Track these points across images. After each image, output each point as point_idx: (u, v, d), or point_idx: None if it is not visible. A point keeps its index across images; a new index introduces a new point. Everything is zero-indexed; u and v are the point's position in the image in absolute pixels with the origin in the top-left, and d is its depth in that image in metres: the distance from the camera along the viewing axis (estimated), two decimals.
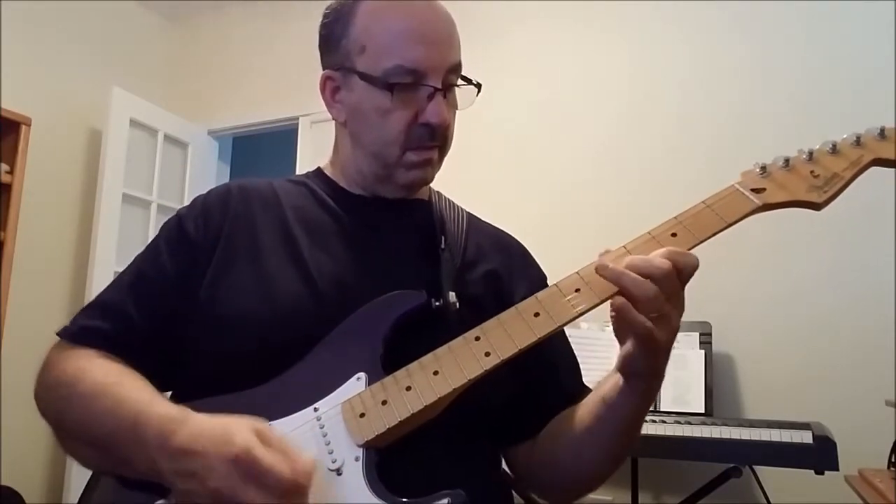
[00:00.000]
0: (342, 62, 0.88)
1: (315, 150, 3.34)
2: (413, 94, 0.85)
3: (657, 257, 0.69)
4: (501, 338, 0.73)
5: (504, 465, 0.93)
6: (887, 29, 2.34)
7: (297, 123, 3.46)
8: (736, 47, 2.61)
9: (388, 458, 0.72)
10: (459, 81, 0.89)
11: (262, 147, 4.23)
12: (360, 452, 0.71)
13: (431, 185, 1.01)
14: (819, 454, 1.77)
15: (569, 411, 0.86)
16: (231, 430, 0.63)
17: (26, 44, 3.13)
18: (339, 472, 0.70)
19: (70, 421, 0.79)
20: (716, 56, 2.64)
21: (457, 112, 0.91)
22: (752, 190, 0.76)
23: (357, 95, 0.88)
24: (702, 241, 0.74)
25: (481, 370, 0.72)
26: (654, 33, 2.76)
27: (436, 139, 0.87)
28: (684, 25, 2.71)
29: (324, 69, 0.93)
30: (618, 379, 0.76)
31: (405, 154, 0.87)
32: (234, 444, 0.62)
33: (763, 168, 0.78)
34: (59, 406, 0.80)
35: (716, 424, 1.92)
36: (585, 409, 0.83)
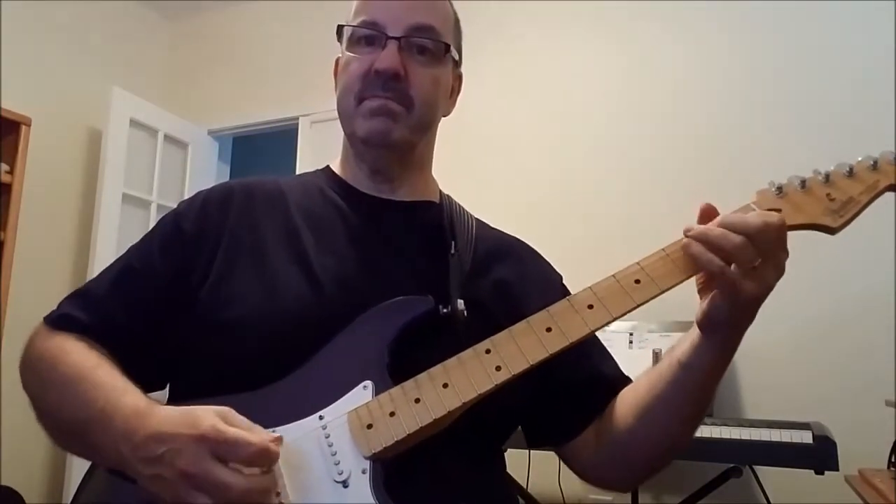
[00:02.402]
0: (341, 39, 0.93)
1: (315, 150, 3.34)
2: (373, 46, 0.88)
3: (749, 216, 0.70)
4: (513, 352, 0.72)
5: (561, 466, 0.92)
6: (886, 29, 2.34)
7: (297, 123, 3.46)
8: (730, 47, 2.61)
9: (395, 469, 0.71)
10: (427, 40, 0.88)
11: (262, 147, 4.22)
12: (367, 465, 0.69)
13: (451, 192, 1.00)
14: (819, 454, 1.76)
15: (630, 392, 0.85)
16: (196, 413, 0.65)
17: (26, 44, 3.13)
18: (345, 484, 0.68)
19: (47, 401, 0.79)
20: (709, 56, 2.65)
21: (440, 84, 0.91)
22: (768, 210, 0.75)
23: (340, 61, 0.93)
24: None
25: (492, 385, 0.71)
26: (649, 33, 2.76)
27: (388, 90, 0.86)
28: (678, 25, 2.72)
29: None
30: (694, 337, 0.75)
31: (361, 103, 0.87)
32: (200, 425, 0.63)
33: (779, 188, 0.77)
34: (38, 385, 0.80)
35: (716, 424, 1.92)
36: (655, 379, 0.81)
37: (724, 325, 0.73)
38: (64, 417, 0.76)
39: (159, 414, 0.67)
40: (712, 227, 0.71)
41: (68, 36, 3.36)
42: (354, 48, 0.89)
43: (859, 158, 0.78)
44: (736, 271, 0.69)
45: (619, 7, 2.81)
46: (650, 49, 2.76)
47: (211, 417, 0.64)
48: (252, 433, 0.64)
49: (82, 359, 0.77)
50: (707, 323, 0.73)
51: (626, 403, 0.85)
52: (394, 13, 0.87)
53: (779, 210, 0.76)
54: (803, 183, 0.77)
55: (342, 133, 0.95)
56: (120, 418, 0.68)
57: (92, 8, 3.47)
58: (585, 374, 0.89)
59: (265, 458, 0.63)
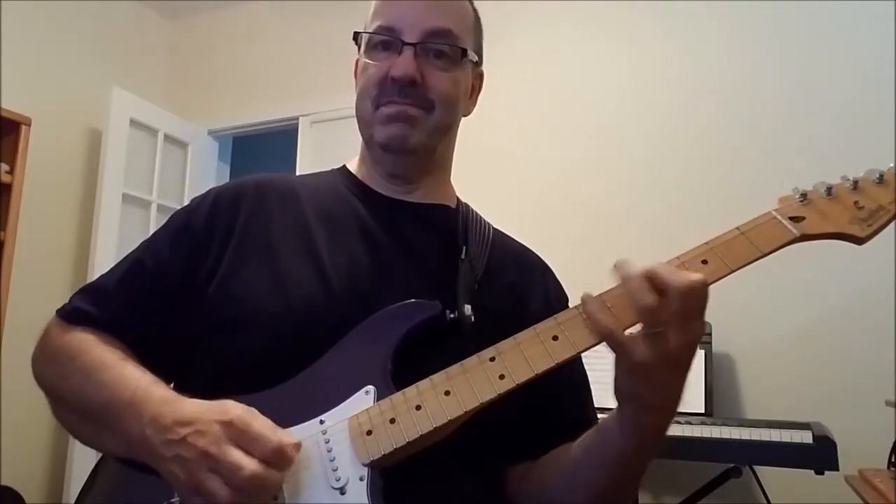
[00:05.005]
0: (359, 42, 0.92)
1: (315, 150, 3.34)
2: (389, 52, 0.87)
3: (682, 275, 0.63)
4: (518, 361, 0.70)
5: None
6: (887, 28, 2.34)
7: (297, 123, 3.46)
8: (730, 47, 2.62)
9: (393, 477, 0.70)
10: (444, 45, 0.87)
11: (262, 147, 4.22)
12: (364, 472, 0.68)
13: (459, 195, 0.99)
14: (819, 454, 1.77)
15: (568, 446, 0.82)
16: (226, 403, 0.68)
17: (26, 44, 3.13)
18: (342, 491, 0.68)
19: (66, 390, 0.79)
20: (709, 56, 2.65)
21: (459, 85, 0.90)
22: (791, 218, 0.72)
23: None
24: (734, 271, 0.69)
25: (495, 394, 0.69)
26: (649, 33, 2.77)
27: (406, 96, 0.85)
28: (678, 25, 2.72)
29: None
30: (615, 407, 0.73)
31: (378, 109, 0.87)
32: (228, 412, 0.66)
33: (804, 195, 0.74)
34: (57, 374, 0.81)
35: (716, 424, 1.92)
36: (582, 439, 0.79)
37: (626, 396, 0.68)
38: (85, 402, 0.76)
39: (190, 402, 0.69)
40: (634, 278, 0.64)
41: (68, 36, 3.36)
42: (371, 53, 0.89)
43: (891, 165, 0.73)
44: (624, 334, 0.64)
45: (620, 7, 2.81)
46: (650, 49, 2.76)
47: (240, 408, 0.67)
48: (273, 433, 0.65)
49: (106, 351, 0.79)
50: (614, 391, 0.70)
51: (561, 453, 0.82)
52: (410, 18, 0.86)
53: (802, 218, 0.72)
54: (829, 190, 0.73)
55: (353, 133, 0.95)
56: (153, 403, 0.70)
57: (92, 8, 3.47)
58: (548, 409, 0.84)
59: (280, 458, 0.64)
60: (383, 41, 0.87)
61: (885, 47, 2.34)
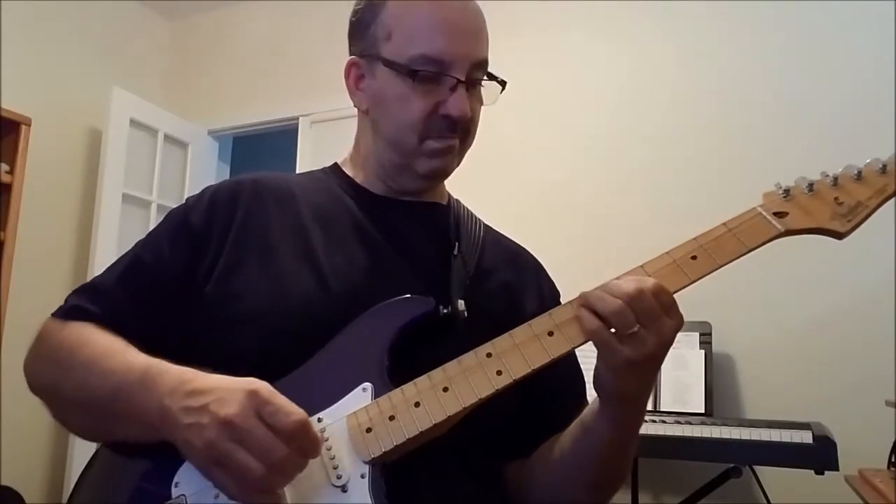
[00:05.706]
0: (368, 49, 0.88)
1: (315, 150, 3.34)
2: (435, 84, 0.84)
3: (625, 281, 0.69)
4: (514, 356, 0.71)
5: None
6: (887, 28, 2.34)
7: (297, 123, 3.46)
8: (730, 47, 2.62)
9: (394, 474, 0.70)
10: (485, 78, 0.88)
11: (262, 147, 4.22)
12: (366, 469, 0.69)
13: (451, 192, 1.01)
14: (819, 454, 1.77)
15: (553, 443, 0.83)
16: (251, 379, 0.66)
17: (26, 44, 3.13)
18: (344, 488, 0.68)
19: (67, 386, 0.78)
20: (709, 56, 2.65)
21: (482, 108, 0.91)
22: (775, 214, 0.74)
23: (380, 82, 0.87)
24: (721, 266, 0.72)
25: (493, 389, 0.70)
26: (649, 34, 2.77)
27: (456, 131, 0.86)
28: (676, 26, 2.72)
29: (351, 56, 0.92)
30: (596, 401, 0.75)
31: (424, 142, 0.86)
32: (253, 383, 0.65)
33: (787, 191, 0.76)
34: (56, 371, 0.79)
35: (716, 424, 1.92)
36: (568, 434, 0.81)
37: (610, 391, 0.72)
38: (90, 393, 0.75)
39: (211, 374, 0.68)
40: (593, 290, 0.70)
41: (68, 36, 3.36)
42: (410, 82, 0.84)
43: (867, 161, 0.75)
44: (611, 333, 0.67)
45: (620, 7, 2.81)
46: (650, 49, 2.76)
47: (264, 383, 0.66)
48: (298, 410, 0.64)
49: (110, 340, 0.77)
50: (596, 387, 0.73)
51: (552, 446, 0.83)
52: (459, 51, 0.84)
53: (786, 213, 0.74)
54: (811, 186, 0.75)
55: (347, 132, 0.94)
56: (170, 375, 0.69)
57: (92, 8, 3.47)
58: (545, 404, 0.86)
59: (302, 433, 0.63)
60: (431, 74, 0.84)
61: (885, 47, 2.34)
